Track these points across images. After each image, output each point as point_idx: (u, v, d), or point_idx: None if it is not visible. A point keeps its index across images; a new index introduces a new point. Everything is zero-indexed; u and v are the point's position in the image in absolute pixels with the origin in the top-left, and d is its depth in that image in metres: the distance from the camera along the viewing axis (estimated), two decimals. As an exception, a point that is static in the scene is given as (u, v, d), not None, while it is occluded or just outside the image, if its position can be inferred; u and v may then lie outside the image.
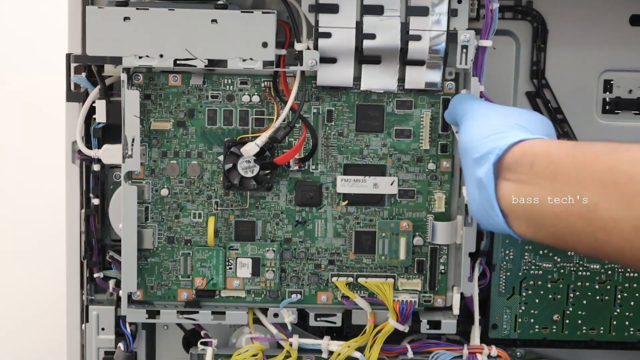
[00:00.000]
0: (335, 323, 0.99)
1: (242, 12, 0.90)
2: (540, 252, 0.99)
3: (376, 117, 0.97)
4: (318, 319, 0.98)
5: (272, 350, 1.00)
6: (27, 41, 1.43)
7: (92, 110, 0.96)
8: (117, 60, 0.90)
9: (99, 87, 0.95)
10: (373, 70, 0.94)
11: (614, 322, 1.01)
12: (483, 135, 0.78)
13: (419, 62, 0.94)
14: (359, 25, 0.92)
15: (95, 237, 0.98)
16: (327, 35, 0.92)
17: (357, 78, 0.95)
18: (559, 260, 1.00)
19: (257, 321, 1.00)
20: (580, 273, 1.00)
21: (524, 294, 1.00)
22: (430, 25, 0.92)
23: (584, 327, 1.01)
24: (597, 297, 1.00)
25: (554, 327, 1.01)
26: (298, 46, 0.92)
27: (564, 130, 1.02)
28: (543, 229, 0.72)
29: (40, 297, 1.44)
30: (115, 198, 0.98)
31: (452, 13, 0.92)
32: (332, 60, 0.93)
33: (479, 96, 0.93)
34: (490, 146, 0.76)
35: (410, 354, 0.99)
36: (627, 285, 1.00)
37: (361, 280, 0.99)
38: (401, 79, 0.95)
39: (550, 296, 1.00)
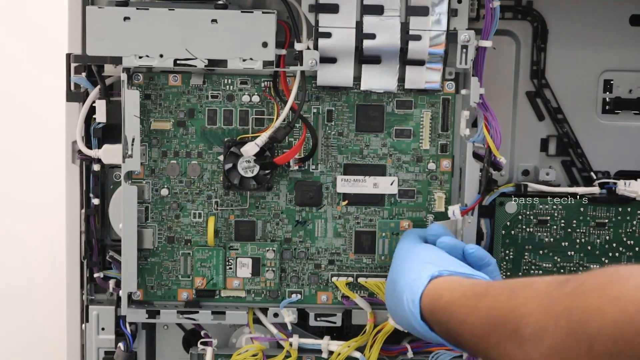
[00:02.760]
0: (335, 323, 0.99)
1: (242, 12, 0.90)
2: (540, 252, 1.00)
3: (376, 117, 0.97)
4: (318, 318, 0.98)
5: (272, 350, 1.00)
6: (27, 41, 1.43)
7: (92, 110, 0.96)
8: (117, 60, 0.90)
9: (99, 87, 0.95)
10: (373, 70, 0.94)
11: (614, 322, 1.01)
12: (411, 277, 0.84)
13: (419, 62, 0.94)
14: (359, 25, 0.92)
15: (95, 237, 0.98)
16: (327, 35, 0.92)
17: (357, 78, 0.95)
18: (558, 260, 1.00)
19: (257, 321, 1.00)
20: (579, 273, 1.00)
21: (524, 294, 1.00)
22: (430, 25, 0.92)
23: (584, 327, 1.01)
24: (597, 297, 1.00)
25: (554, 327, 1.01)
26: (298, 46, 0.92)
27: (564, 131, 1.02)
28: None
29: (40, 297, 1.44)
30: (115, 198, 0.98)
31: (452, 13, 0.92)
32: (332, 60, 0.93)
33: (478, 97, 0.93)
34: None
35: (410, 354, 0.99)
36: (627, 285, 1.00)
37: (361, 280, 0.99)
38: (401, 79, 0.95)
39: (550, 296, 1.00)
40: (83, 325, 1.01)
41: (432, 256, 0.87)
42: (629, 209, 0.99)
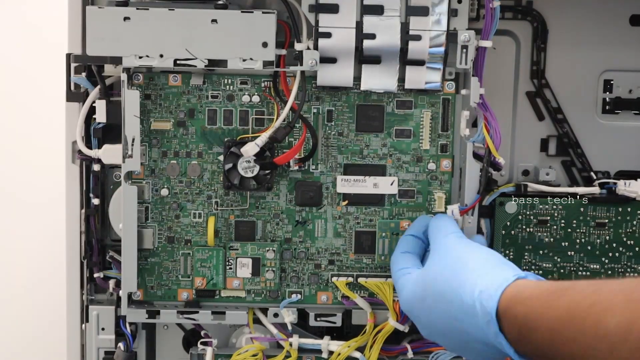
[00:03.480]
0: (335, 323, 0.99)
1: (242, 12, 0.90)
2: (540, 252, 1.00)
3: (376, 117, 0.97)
4: (318, 319, 0.98)
5: (272, 350, 1.00)
6: (27, 41, 1.43)
7: (92, 110, 0.96)
8: (117, 60, 0.90)
9: (99, 87, 0.95)
10: (373, 70, 0.94)
11: (614, 322, 1.01)
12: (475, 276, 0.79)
13: (419, 62, 0.94)
14: (359, 25, 0.92)
15: (95, 237, 0.98)
16: (327, 35, 0.92)
17: (357, 78, 0.95)
18: (559, 260, 1.00)
19: (257, 321, 1.00)
20: (580, 273, 1.00)
21: (524, 294, 1.00)
22: (430, 25, 0.92)
23: (584, 327, 1.01)
24: (597, 297, 1.00)
25: (554, 327, 1.01)
26: (298, 46, 0.92)
27: (564, 131, 1.02)
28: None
29: (40, 297, 1.44)
30: (115, 198, 0.98)
31: (452, 13, 0.92)
32: (332, 60, 0.93)
33: (478, 97, 0.93)
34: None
35: (410, 354, 0.99)
36: (627, 285, 1.00)
37: (361, 280, 0.99)
38: (401, 79, 0.95)
39: (550, 296, 1.00)
40: (83, 325, 1.01)
41: (500, 259, 0.83)
42: (629, 209, 0.99)
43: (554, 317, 0.69)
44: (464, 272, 0.80)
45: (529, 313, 0.72)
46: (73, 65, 0.96)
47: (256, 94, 0.96)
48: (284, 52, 0.93)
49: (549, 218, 0.99)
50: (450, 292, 0.80)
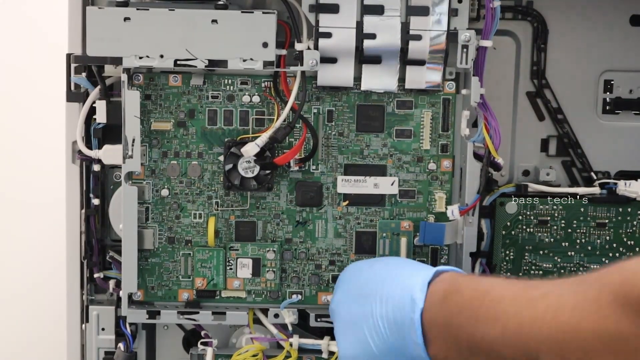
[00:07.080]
0: (335, 323, 0.99)
1: (242, 12, 0.90)
2: (540, 252, 1.00)
3: (376, 117, 0.97)
4: (319, 319, 0.98)
5: (273, 350, 1.00)
6: (27, 41, 1.43)
7: (92, 110, 0.96)
8: (117, 61, 0.90)
9: (99, 87, 0.95)
10: (373, 70, 0.94)
11: (615, 322, 1.01)
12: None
13: (419, 62, 0.94)
14: (359, 25, 0.92)
15: (95, 237, 0.98)
16: (328, 35, 0.92)
17: (358, 78, 0.95)
18: (559, 260, 1.00)
19: (257, 321, 1.00)
20: (580, 273, 1.00)
21: (524, 294, 1.00)
22: (430, 25, 0.92)
23: (585, 327, 1.01)
24: (598, 297, 1.00)
25: (555, 327, 1.01)
26: (298, 46, 0.92)
27: (564, 131, 1.02)
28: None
29: (40, 297, 1.44)
30: (115, 198, 0.98)
31: (453, 13, 0.92)
32: (332, 60, 0.93)
33: (478, 97, 0.93)
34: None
35: (410, 354, 0.99)
36: (627, 285, 1.00)
37: (361, 280, 0.99)
38: (401, 79, 0.95)
39: (551, 296, 1.00)
40: (83, 325, 1.01)
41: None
42: (629, 209, 0.99)
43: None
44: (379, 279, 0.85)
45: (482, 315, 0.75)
46: (73, 65, 0.95)
47: (256, 94, 0.96)
48: (284, 52, 0.93)
49: (549, 218, 0.99)
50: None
